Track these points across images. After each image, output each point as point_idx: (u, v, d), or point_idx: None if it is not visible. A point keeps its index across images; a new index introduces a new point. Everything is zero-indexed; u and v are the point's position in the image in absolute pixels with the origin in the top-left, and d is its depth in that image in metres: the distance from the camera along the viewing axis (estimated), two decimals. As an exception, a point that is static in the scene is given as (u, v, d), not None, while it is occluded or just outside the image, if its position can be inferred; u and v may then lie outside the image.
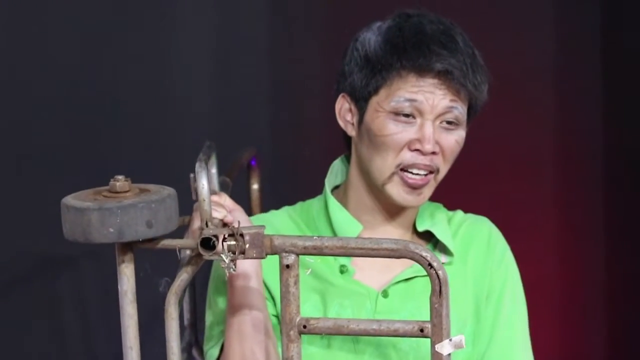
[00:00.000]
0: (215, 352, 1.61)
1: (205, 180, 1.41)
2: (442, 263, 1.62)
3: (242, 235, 1.33)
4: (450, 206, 1.75)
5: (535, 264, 2.64)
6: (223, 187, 1.73)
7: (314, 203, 1.73)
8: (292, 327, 1.34)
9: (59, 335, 2.72)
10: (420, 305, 1.63)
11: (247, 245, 1.33)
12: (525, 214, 2.80)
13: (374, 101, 1.61)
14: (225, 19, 2.76)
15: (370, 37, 1.62)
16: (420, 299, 1.63)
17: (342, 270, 1.65)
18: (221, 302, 1.62)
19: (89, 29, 2.67)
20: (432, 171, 1.61)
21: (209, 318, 1.65)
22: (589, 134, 2.87)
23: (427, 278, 1.63)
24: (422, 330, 1.30)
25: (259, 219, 1.71)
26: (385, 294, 1.64)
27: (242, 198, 1.74)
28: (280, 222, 1.69)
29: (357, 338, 1.60)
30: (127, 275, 1.37)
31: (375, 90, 1.61)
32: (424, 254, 1.29)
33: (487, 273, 1.68)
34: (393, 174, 1.61)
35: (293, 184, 2.71)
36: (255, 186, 2.21)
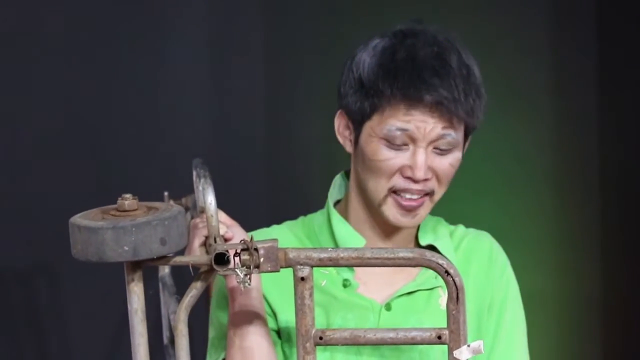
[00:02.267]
0: None
1: (212, 196, 1.41)
2: None
3: (256, 249, 1.33)
4: (449, 217, 1.77)
5: (532, 275, 2.67)
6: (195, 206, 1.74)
7: (316, 217, 1.73)
8: (308, 339, 1.34)
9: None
10: (422, 318, 1.64)
11: (262, 259, 1.33)
12: (522, 226, 2.83)
13: (367, 125, 1.61)
14: (221, 26, 2.75)
15: (365, 58, 1.61)
16: (423, 313, 1.64)
17: (345, 284, 1.66)
18: (223, 317, 1.62)
19: (85, 33, 2.66)
20: (427, 194, 1.62)
21: (211, 333, 1.65)
22: (586, 147, 2.91)
23: (430, 292, 1.66)
24: (439, 337, 1.31)
25: (261, 233, 1.71)
26: (388, 307, 1.65)
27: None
28: (282, 236, 1.69)
29: (360, 350, 1.61)
30: (137, 294, 1.36)
31: (369, 116, 1.61)
32: (440, 261, 1.31)
33: (488, 286, 1.70)
34: (386, 196, 1.62)
35: (289, 196, 2.71)
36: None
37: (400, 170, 1.60)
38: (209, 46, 2.78)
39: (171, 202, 2.10)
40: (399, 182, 1.61)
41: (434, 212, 1.70)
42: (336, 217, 1.69)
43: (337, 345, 1.35)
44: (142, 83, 2.74)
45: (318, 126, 2.53)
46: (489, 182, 2.80)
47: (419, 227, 1.71)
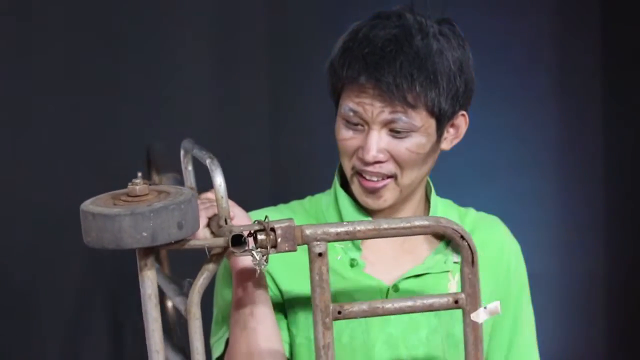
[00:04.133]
0: (220, 346, 1.60)
1: (221, 177, 1.41)
2: (455, 262, 1.66)
3: (273, 229, 1.34)
4: (456, 199, 1.77)
5: (536, 256, 2.70)
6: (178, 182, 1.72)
7: (323, 197, 1.72)
8: (327, 315, 1.35)
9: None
10: None
11: (280, 239, 1.34)
12: (526, 207, 2.84)
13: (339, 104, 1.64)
14: (225, 18, 2.72)
15: (340, 39, 1.63)
16: None
17: (353, 264, 1.65)
18: (227, 294, 1.62)
19: (87, 28, 2.60)
20: (389, 176, 1.62)
21: (215, 310, 1.64)
22: (590, 131, 2.92)
23: (438, 275, 1.66)
24: (456, 302, 1.35)
25: (269, 211, 1.68)
26: (395, 288, 1.64)
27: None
28: (290, 214, 1.67)
29: (367, 331, 1.62)
30: (150, 279, 1.35)
31: (337, 96, 1.63)
32: (454, 227, 1.35)
33: (501, 275, 1.70)
34: (352, 175, 1.64)
35: (293, 179, 2.69)
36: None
37: (356, 152, 1.62)
38: (211, 40, 2.77)
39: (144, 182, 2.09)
40: (356, 163, 1.62)
41: (442, 194, 1.71)
42: (343, 197, 1.69)
43: (356, 318, 1.36)
44: (142, 80, 2.70)
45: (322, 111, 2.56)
46: (494, 164, 2.80)
47: (429, 209, 1.71)
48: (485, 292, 1.67)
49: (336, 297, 1.62)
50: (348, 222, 1.35)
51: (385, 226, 1.35)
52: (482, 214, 1.76)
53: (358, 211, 1.67)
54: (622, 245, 2.98)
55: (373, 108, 1.58)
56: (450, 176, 1.70)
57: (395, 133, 1.60)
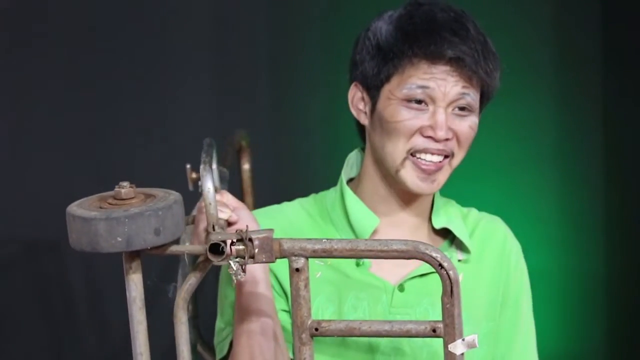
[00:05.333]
0: (224, 347, 1.62)
1: (211, 183, 1.40)
2: (459, 260, 1.65)
3: (250, 239, 1.32)
4: (456, 197, 1.75)
5: (536, 253, 2.65)
6: (222, 178, 1.73)
7: (328, 195, 1.72)
8: (303, 330, 1.33)
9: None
10: (435, 301, 1.63)
11: (257, 250, 1.32)
12: (526, 205, 2.81)
13: (386, 89, 1.61)
14: (225, 14, 2.75)
15: (382, 25, 1.62)
16: (435, 295, 1.61)
17: (358, 262, 1.65)
18: (231, 294, 1.62)
19: (87, 27, 2.67)
20: (447, 155, 1.61)
21: (219, 309, 1.66)
22: (590, 129, 2.88)
23: None
24: (434, 331, 1.30)
25: (273, 210, 1.71)
26: (401, 287, 1.64)
27: (232, 179, 1.75)
28: (294, 213, 1.69)
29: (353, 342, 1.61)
30: (135, 282, 1.36)
31: (387, 78, 1.61)
32: (434, 254, 1.29)
33: (502, 275, 1.69)
34: (405, 159, 1.61)
35: (294, 177, 2.71)
36: (246, 166, 2.23)
37: (420, 131, 1.60)
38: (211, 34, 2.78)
39: (193, 173, 2.12)
40: (418, 142, 1.60)
41: (443, 192, 1.68)
42: (350, 195, 1.67)
43: (332, 336, 1.34)
44: (143, 76, 2.74)
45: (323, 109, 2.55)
46: (494, 162, 2.78)
47: (432, 209, 1.68)
48: (484, 291, 1.66)
49: (341, 296, 1.60)
50: (326, 239, 1.32)
51: (362, 247, 1.30)
52: (484, 214, 1.74)
53: (364, 210, 1.64)
54: (622, 245, 2.89)
55: (446, 83, 1.59)
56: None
57: (459, 111, 1.60)
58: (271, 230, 1.33)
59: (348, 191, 1.68)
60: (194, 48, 2.74)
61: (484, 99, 1.64)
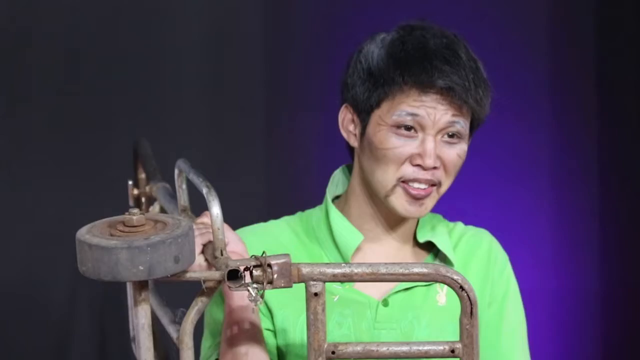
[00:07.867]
0: None
1: (219, 208, 1.39)
2: None
3: (270, 265, 1.33)
4: (449, 214, 1.78)
5: (530, 272, 2.69)
6: (171, 196, 1.73)
7: (314, 213, 1.73)
8: (320, 354, 1.35)
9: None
10: (420, 314, 1.65)
11: (275, 276, 1.33)
12: (521, 223, 2.85)
13: (376, 114, 1.62)
14: (221, 21, 2.72)
15: (374, 50, 1.63)
16: (420, 308, 1.65)
17: None
18: (217, 314, 1.61)
19: (83, 25, 2.60)
20: (435, 184, 1.63)
21: (205, 329, 1.65)
22: (585, 143, 2.91)
23: (427, 288, 1.67)
24: (453, 351, 1.34)
25: (260, 227, 1.70)
26: (385, 302, 1.65)
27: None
28: (281, 232, 1.69)
29: None
30: (144, 310, 1.35)
31: (378, 104, 1.62)
32: (455, 277, 1.32)
33: (488, 284, 1.71)
34: (395, 186, 1.63)
35: (288, 192, 2.70)
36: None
37: (410, 159, 1.62)
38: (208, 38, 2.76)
39: (135, 190, 2.07)
40: (408, 171, 1.62)
41: (435, 208, 1.71)
42: (334, 212, 1.69)
43: (349, 359, 1.36)
44: (141, 74, 2.70)
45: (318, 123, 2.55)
46: (488, 179, 2.81)
47: (417, 223, 1.71)
48: None
49: (327, 313, 1.61)
50: (346, 263, 1.34)
51: (384, 271, 1.33)
52: (471, 227, 1.77)
53: (348, 228, 1.67)
54: (618, 264, 2.98)
55: (436, 111, 1.60)
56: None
57: (449, 138, 1.62)
58: (288, 255, 1.34)
59: (333, 208, 1.69)
60: (188, 69, 2.70)
61: (474, 125, 1.66)
